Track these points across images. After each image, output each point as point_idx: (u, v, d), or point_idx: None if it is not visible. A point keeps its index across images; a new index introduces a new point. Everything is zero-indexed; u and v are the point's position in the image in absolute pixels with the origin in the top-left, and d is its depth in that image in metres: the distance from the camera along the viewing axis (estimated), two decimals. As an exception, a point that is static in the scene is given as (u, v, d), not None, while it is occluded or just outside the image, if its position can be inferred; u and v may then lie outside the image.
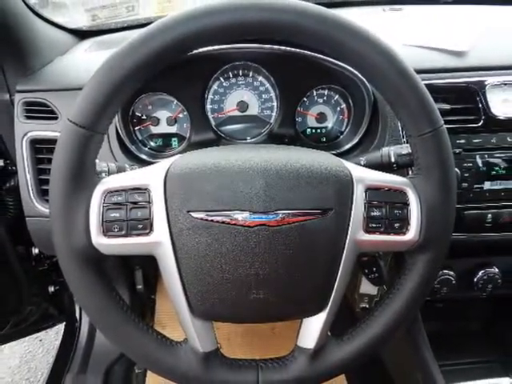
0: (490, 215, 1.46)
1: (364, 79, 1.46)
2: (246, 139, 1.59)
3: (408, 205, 1.00)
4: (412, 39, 1.61)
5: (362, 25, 0.93)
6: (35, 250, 1.93)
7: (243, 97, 1.58)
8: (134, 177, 1.01)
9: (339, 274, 0.99)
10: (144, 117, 1.57)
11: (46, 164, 1.44)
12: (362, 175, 1.01)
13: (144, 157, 1.52)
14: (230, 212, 0.93)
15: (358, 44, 0.92)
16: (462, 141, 1.43)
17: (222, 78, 1.56)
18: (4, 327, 2.00)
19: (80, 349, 2.36)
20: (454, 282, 1.61)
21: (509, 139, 1.45)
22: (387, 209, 0.99)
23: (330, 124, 1.61)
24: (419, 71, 1.02)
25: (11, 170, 1.63)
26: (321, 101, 1.59)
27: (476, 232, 1.49)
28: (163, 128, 1.59)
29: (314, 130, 1.62)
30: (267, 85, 1.56)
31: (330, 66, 1.47)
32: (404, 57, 0.95)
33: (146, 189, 0.96)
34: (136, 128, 1.57)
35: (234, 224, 0.93)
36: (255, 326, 2.54)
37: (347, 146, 1.55)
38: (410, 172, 1.29)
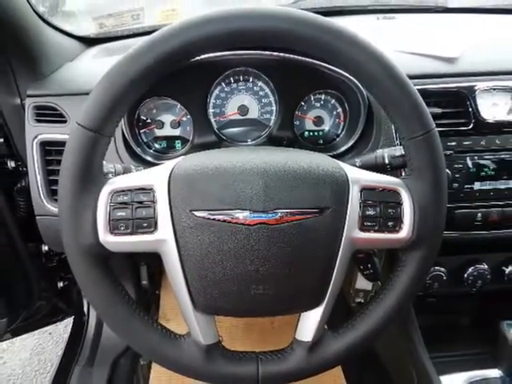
0: (479, 214, 1.47)
1: (359, 85, 1.46)
2: (246, 141, 1.59)
3: (401, 204, 1.00)
4: (405, 46, 1.61)
5: (357, 32, 0.94)
6: (45, 248, 1.93)
7: (244, 101, 1.58)
8: (139, 177, 1.01)
9: (335, 270, 0.99)
10: (149, 120, 1.57)
11: (56, 165, 1.44)
12: (358, 176, 1.02)
13: (149, 158, 1.52)
14: (231, 211, 0.94)
15: (354, 51, 0.93)
16: (453, 143, 1.43)
17: (223, 84, 1.56)
18: (15, 321, 2.00)
19: (88, 342, 2.36)
20: (444, 277, 1.62)
21: (497, 141, 1.46)
22: (381, 208, 0.99)
23: (326, 127, 1.61)
24: (412, 77, 1.03)
25: (22, 171, 1.63)
26: (318, 105, 1.60)
27: (466, 230, 1.50)
28: (167, 131, 1.59)
29: (311, 133, 1.62)
30: (267, 90, 1.56)
31: (326, 72, 1.47)
32: (397, 63, 0.95)
33: (150, 189, 0.97)
34: (141, 131, 1.57)
35: (235, 222, 0.94)
36: (255, 320, 2.54)
37: (343, 148, 1.56)
38: (403, 173, 1.30)
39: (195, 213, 0.94)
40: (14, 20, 1.42)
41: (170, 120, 1.58)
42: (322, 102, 1.59)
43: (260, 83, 1.56)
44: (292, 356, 1.07)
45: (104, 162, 1.00)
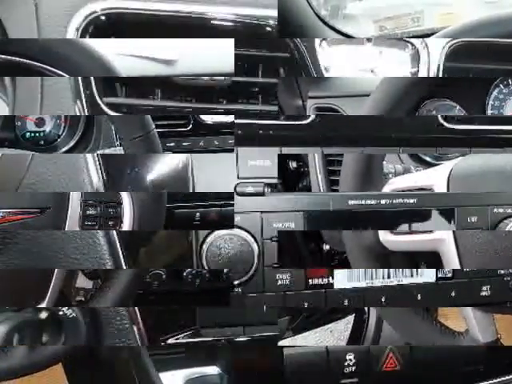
0: (198, 214, 1.51)
1: None
2: None
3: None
4: (125, 49, 1.51)
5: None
6: (326, 247, 2.00)
7: None
8: (419, 178, 1.03)
9: None
10: None
11: (336, 166, 1.48)
12: None
13: (428, 159, 1.52)
14: None
15: None
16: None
17: None
18: (297, 319, 2.10)
19: (368, 340, 2.40)
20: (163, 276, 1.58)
21: (216, 142, 1.61)
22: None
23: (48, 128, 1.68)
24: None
25: (304, 171, 1.71)
26: None
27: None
28: None
29: (32, 134, 1.67)
30: None
31: None
32: (118, 66, 1.01)
33: (430, 189, 0.98)
34: None
35: None
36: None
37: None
38: None
39: None
40: (294, 21, 1.49)
41: None
42: None
43: None
44: None
45: (384, 163, 1.03)
